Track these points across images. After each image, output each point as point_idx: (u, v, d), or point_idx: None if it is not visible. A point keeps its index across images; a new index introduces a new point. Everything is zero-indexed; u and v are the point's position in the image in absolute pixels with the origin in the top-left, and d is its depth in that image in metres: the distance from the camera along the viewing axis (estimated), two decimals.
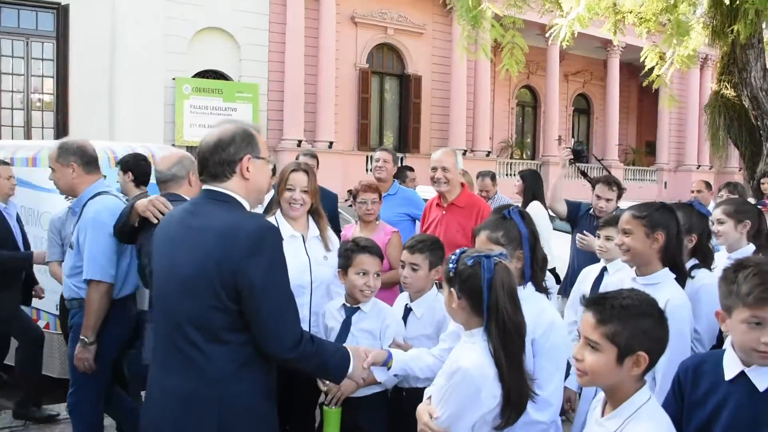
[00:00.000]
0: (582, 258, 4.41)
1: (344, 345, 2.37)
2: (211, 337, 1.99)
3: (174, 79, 15.79)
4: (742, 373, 1.79)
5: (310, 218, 3.30)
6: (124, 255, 3.42)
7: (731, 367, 1.82)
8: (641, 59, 8.52)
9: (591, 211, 4.73)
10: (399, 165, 4.74)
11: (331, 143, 17.45)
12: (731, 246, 3.35)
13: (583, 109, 26.81)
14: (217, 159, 2.09)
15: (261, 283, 1.96)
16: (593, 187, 4.73)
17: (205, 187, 2.14)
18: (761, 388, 1.75)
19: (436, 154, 4.17)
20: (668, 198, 18.75)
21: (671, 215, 2.60)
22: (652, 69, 8.50)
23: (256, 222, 2.05)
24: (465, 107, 20.16)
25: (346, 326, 2.87)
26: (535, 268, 2.35)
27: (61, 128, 14.70)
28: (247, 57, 17.05)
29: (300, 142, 17.12)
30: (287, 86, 17.21)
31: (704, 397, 1.86)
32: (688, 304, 2.49)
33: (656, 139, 25.84)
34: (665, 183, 25.57)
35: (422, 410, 2.08)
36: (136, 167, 4.19)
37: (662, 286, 2.47)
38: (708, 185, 6.75)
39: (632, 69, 23.96)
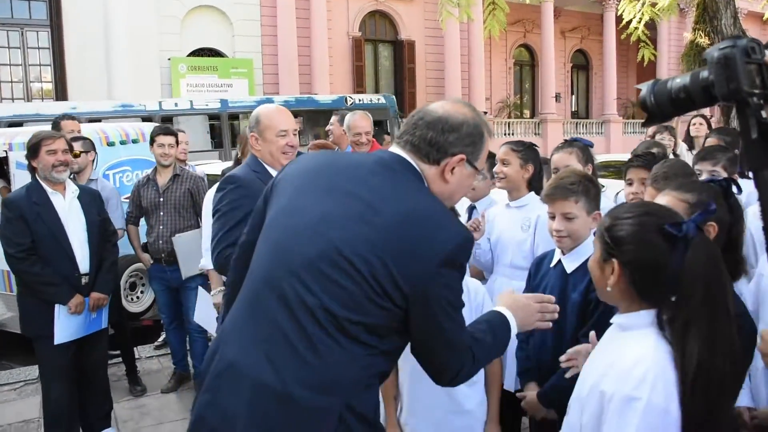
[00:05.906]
0: None
1: (497, 310, 1.80)
2: (343, 331, 1.51)
3: (169, 59, 15.97)
4: (560, 260, 2.41)
5: None
6: None
7: (556, 257, 2.46)
8: (618, 12, 8.60)
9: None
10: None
11: None
12: None
13: (582, 65, 26.73)
14: (429, 136, 1.65)
15: (442, 300, 1.55)
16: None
17: (398, 151, 1.68)
18: (569, 270, 2.35)
19: (356, 121, 4.69)
20: None
21: (537, 154, 3.18)
22: (629, 22, 8.61)
23: (460, 228, 1.60)
24: (459, 69, 20.22)
25: None
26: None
27: None
28: (239, 33, 17.18)
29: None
30: (281, 59, 17.34)
31: (540, 281, 2.50)
32: None
33: None
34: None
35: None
36: None
37: (531, 206, 3.06)
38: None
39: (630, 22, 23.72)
